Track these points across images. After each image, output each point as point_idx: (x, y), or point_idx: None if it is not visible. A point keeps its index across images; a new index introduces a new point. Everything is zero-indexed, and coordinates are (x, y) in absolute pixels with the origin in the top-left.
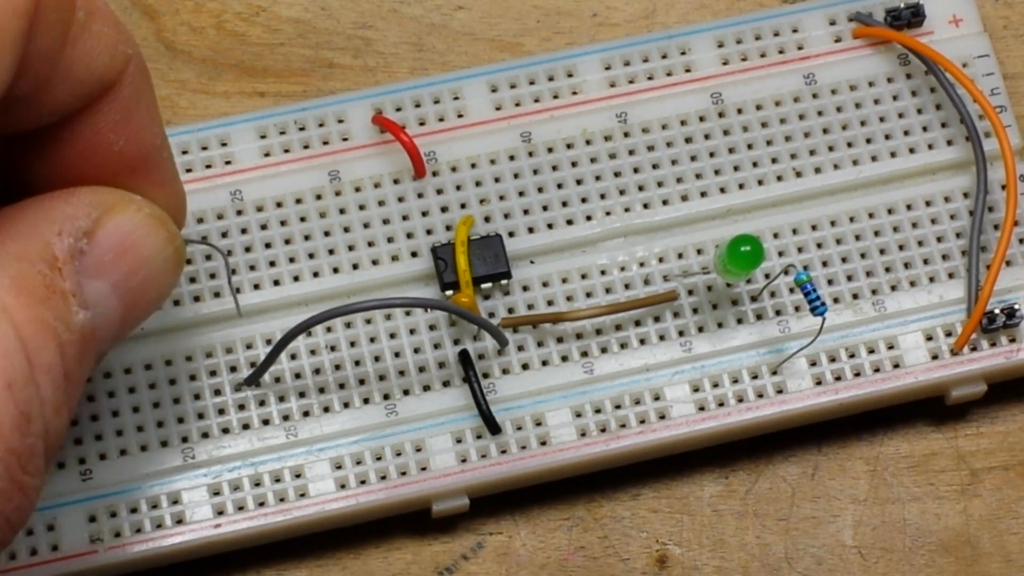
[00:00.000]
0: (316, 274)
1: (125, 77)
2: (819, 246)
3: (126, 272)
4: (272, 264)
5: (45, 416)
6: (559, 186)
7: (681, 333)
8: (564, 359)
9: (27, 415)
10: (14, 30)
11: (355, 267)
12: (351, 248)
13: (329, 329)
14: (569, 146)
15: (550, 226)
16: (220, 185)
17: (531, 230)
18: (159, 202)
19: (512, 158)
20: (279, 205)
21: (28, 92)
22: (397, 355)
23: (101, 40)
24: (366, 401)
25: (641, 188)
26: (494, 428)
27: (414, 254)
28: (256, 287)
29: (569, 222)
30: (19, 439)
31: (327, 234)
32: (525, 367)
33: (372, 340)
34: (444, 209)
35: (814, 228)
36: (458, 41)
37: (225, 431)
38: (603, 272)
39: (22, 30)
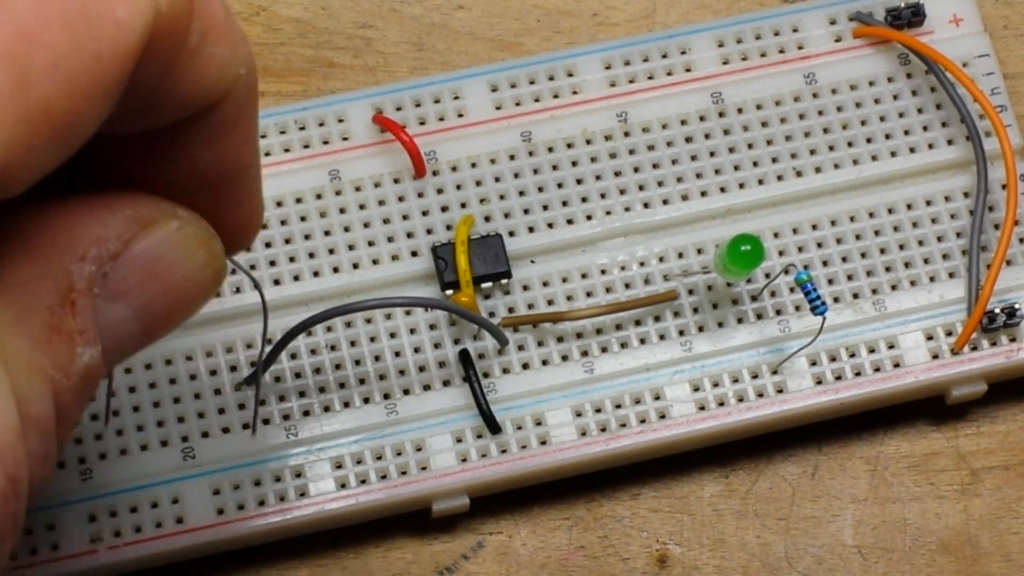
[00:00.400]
0: (316, 274)
1: (229, 96)
2: (819, 245)
3: (152, 296)
4: (272, 264)
5: (32, 471)
6: (559, 186)
7: (681, 333)
8: (564, 359)
9: (15, 480)
10: (114, 77)
11: (355, 267)
12: (351, 248)
13: (329, 328)
14: (569, 146)
15: (550, 225)
16: None
17: (531, 230)
18: (228, 218)
19: (512, 158)
20: (279, 205)
21: (119, 115)
22: (397, 354)
23: (212, 63)
24: (366, 400)
25: (641, 188)
26: (494, 428)
27: (414, 253)
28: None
29: (569, 221)
30: (1, 507)
31: (327, 233)
32: (525, 367)
33: (372, 339)
34: (444, 208)
35: (814, 227)
36: (458, 41)
37: (225, 431)
38: (603, 272)
39: (125, 74)
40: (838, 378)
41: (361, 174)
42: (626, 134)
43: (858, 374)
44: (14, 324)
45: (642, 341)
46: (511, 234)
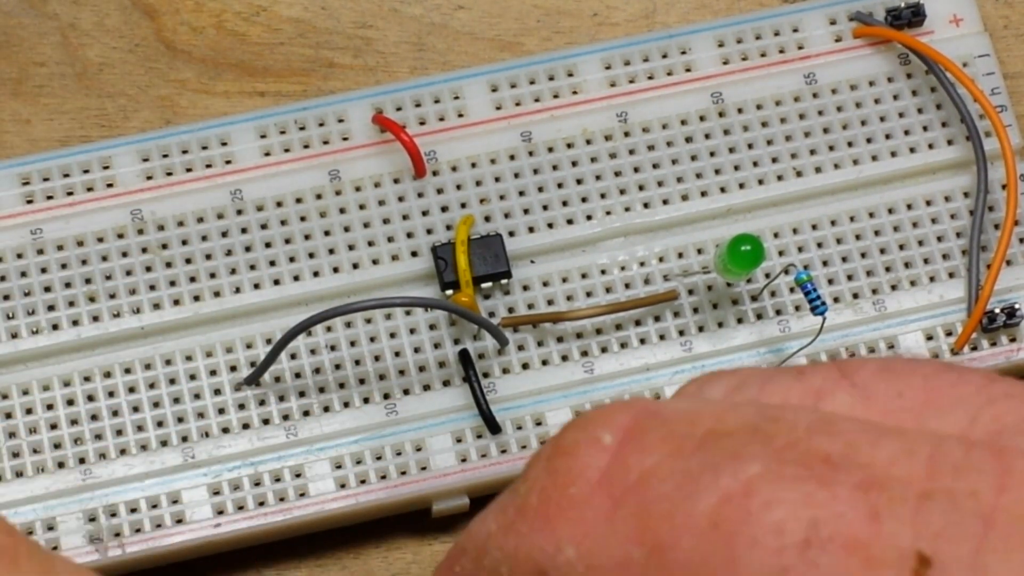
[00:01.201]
0: (316, 274)
1: None
2: (819, 245)
3: None
4: (272, 264)
5: None
6: (559, 186)
7: (681, 333)
8: (564, 359)
9: None
10: None
11: (355, 267)
12: (351, 248)
13: (329, 329)
14: (569, 145)
15: (550, 225)
16: (220, 185)
17: (531, 230)
18: None
19: (512, 157)
20: (279, 205)
21: None
22: (397, 355)
23: None
24: (366, 401)
25: (641, 188)
26: (494, 428)
27: (414, 253)
28: (256, 287)
29: (569, 221)
30: None
31: (327, 234)
32: (525, 367)
33: (372, 340)
34: (444, 209)
35: (814, 227)
36: (458, 41)
37: (225, 431)
38: (603, 272)
39: None
40: None
41: (361, 174)
42: (626, 134)
43: None
44: None
45: (642, 341)
46: (511, 234)
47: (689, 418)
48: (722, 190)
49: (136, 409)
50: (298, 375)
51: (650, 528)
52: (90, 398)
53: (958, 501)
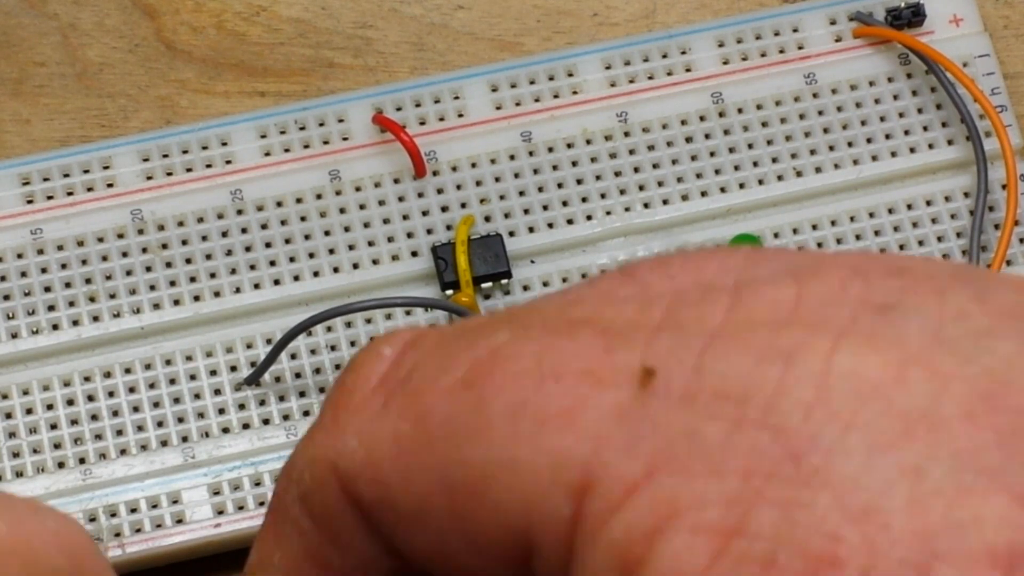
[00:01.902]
0: (316, 274)
1: None
2: (820, 245)
3: None
4: (272, 264)
5: None
6: (559, 186)
7: None
8: None
9: None
10: None
11: (355, 267)
12: (351, 248)
13: (329, 329)
14: (569, 146)
15: (550, 226)
16: (220, 185)
17: (531, 230)
18: None
19: (512, 158)
20: (279, 205)
21: None
22: None
23: None
24: None
25: (642, 188)
26: None
27: (414, 254)
28: (256, 287)
29: (570, 222)
30: None
31: (327, 233)
32: None
33: (373, 339)
34: (444, 209)
35: (815, 227)
36: (458, 41)
37: (225, 431)
38: (603, 272)
39: None
40: None
41: (361, 174)
42: (626, 134)
43: None
44: None
45: None
46: (511, 234)
47: (461, 323)
48: (722, 190)
49: (136, 409)
50: (298, 375)
51: (414, 403)
52: (90, 398)
53: (687, 326)
